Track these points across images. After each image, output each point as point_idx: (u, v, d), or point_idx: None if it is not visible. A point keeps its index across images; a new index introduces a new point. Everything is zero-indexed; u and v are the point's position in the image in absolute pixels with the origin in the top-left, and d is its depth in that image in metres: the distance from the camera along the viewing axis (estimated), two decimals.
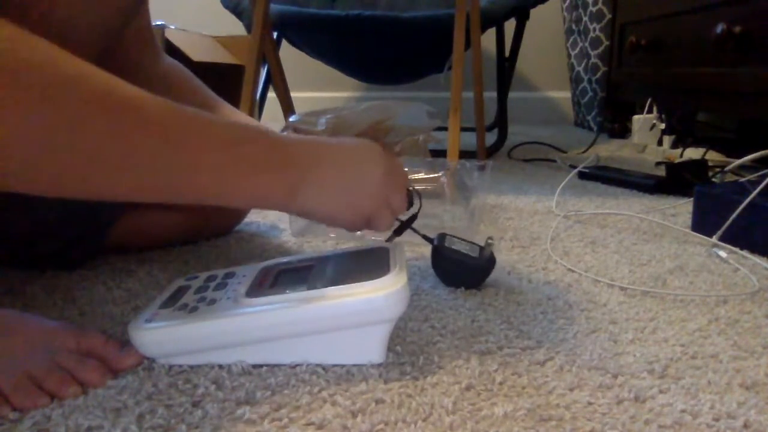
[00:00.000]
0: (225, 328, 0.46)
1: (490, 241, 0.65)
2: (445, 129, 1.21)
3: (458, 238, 0.67)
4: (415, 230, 0.62)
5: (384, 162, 0.54)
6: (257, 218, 0.95)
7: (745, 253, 0.74)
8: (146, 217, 0.74)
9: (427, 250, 0.66)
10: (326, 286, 0.47)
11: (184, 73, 0.77)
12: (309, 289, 0.47)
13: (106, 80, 0.40)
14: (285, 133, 0.52)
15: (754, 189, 0.75)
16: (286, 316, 0.46)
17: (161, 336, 0.46)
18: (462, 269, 0.64)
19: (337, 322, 0.46)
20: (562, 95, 2.55)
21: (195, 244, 0.79)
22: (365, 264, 0.50)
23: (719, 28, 1.22)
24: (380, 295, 0.45)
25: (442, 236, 0.66)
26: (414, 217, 0.61)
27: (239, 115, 0.77)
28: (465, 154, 1.28)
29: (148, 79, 0.74)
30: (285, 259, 0.56)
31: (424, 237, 0.64)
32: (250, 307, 0.46)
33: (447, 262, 0.64)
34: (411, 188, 0.60)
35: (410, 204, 0.60)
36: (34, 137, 0.36)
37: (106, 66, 0.75)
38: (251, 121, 0.78)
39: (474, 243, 0.66)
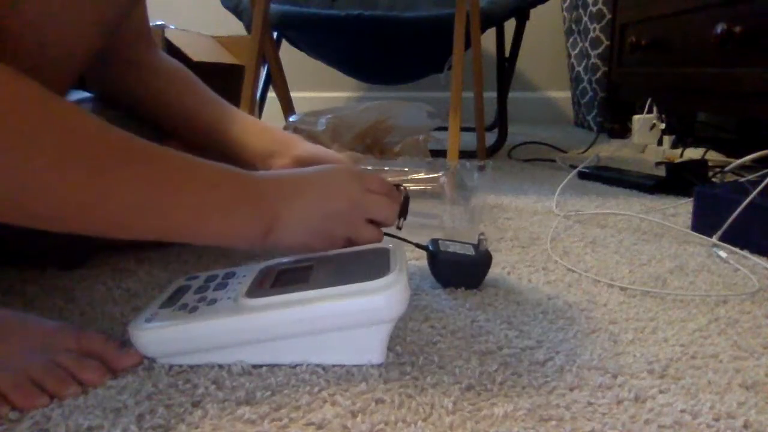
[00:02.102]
0: (225, 328, 0.46)
1: (482, 237, 0.65)
2: (445, 129, 1.21)
3: (450, 240, 0.67)
4: (407, 240, 0.62)
5: (355, 183, 0.56)
6: None
7: (745, 253, 0.74)
8: None
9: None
10: (326, 287, 0.47)
11: (183, 71, 0.77)
12: (309, 289, 0.47)
13: (91, 123, 0.42)
14: (256, 172, 0.54)
15: (754, 189, 0.75)
16: (286, 316, 0.46)
17: (161, 336, 0.46)
18: (462, 269, 0.64)
19: (337, 322, 0.46)
20: (562, 95, 2.55)
21: (194, 244, 0.79)
22: (365, 264, 0.50)
23: (719, 28, 1.22)
24: (380, 296, 0.45)
25: (435, 241, 0.66)
26: (403, 215, 0.61)
27: (238, 114, 0.77)
28: (465, 154, 1.29)
29: (149, 76, 0.74)
30: (285, 260, 0.56)
31: (417, 245, 0.64)
32: (251, 307, 0.46)
33: (446, 264, 0.64)
34: (401, 188, 0.60)
35: (405, 205, 0.60)
36: (12, 176, 0.38)
37: (108, 64, 0.75)
38: (250, 119, 0.77)
39: (466, 242, 0.66)
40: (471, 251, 0.64)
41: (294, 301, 0.46)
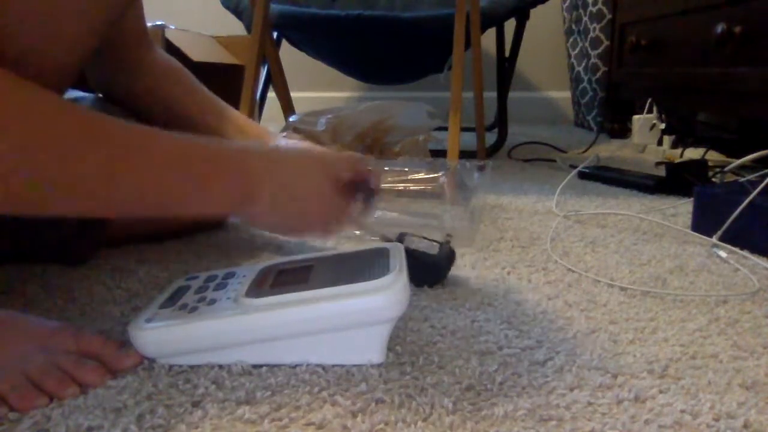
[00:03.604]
0: (225, 328, 0.46)
1: (448, 237, 0.66)
2: (445, 129, 1.21)
3: (419, 236, 0.67)
4: (375, 236, 0.63)
5: (328, 168, 0.57)
6: None
7: (745, 253, 0.74)
8: None
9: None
10: (326, 287, 0.47)
11: (181, 71, 0.78)
12: (309, 289, 0.47)
13: (55, 105, 0.42)
14: (233, 142, 0.55)
15: (754, 189, 0.75)
16: (286, 316, 0.46)
17: (161, 336, 0.46)
18: (420, 268, 0.63)
19: (337, 322, 0.46)
20: (562, 95, 2.55)
21: (194, 243, 0.79)
22: (365, 264, 0.50)
23: (719, 28, 1.22)
24: (380, 296, 0.45)
25: (402, 235, 0.66)
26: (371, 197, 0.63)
27: (234, 112, 0.77)
28: (465, 154, 1.28)
29: (147, 76, 0.74)
30: (285, 259, 0.56)
31: (383, 238, 0.65)
32: (251, 307, 0.46)
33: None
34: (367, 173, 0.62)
35: (370, 194, 0.62)
36: None
37: (108, 64, 0.75)
38: (243, 119, 0.78)
39: (435, 240, 0.67)
40: (434, 250, 0.65)
41: (294, 302, 0.46)
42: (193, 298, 0.50)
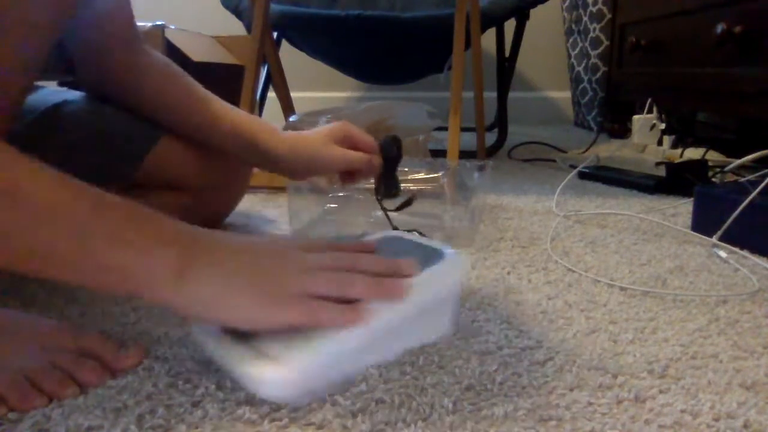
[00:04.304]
0: (356, 340, 0.43)
1: (416, 233, 0.66)
2: (445, 129, 1.21)
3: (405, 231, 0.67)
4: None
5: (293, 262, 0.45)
6: (255, 213, 0.95)
7: (745, 253, 0.74)
8: (172, 154, 0.77)
9: None
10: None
11: (174, 71, 0.78)
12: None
13: None
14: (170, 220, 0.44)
15: (754, 189, 0.75)
16: (404, 308, 0.45)
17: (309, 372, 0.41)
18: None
19: (436, 302, 0.48)
20: (562, 95, 2.55)
21: None
22: (409, 254, 0.51)
23: (719, 28, 1.22)
24: (457, 270, 0.51)
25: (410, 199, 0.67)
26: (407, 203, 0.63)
27: (231, 111, 0.77)
28: (465, 154, 1.29)
29: (140, 77, 0.74)
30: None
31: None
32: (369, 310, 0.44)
33: None
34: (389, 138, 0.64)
35: (395, 156, 0.67)
36: None
37: (99, 66, 0.75)
38: (247, 115, 0.78)
39: (420, 232, 0.67)
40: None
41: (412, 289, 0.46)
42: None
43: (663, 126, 1.61)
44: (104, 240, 0.39)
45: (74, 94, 0.75)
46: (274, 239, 0.52)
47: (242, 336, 0.42)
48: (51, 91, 0.75)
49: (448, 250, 0.51)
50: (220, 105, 0.76)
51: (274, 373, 0.39)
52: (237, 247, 0.45)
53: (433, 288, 0.48)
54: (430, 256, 0.50)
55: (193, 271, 0.41)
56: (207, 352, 0.45)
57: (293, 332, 0.41)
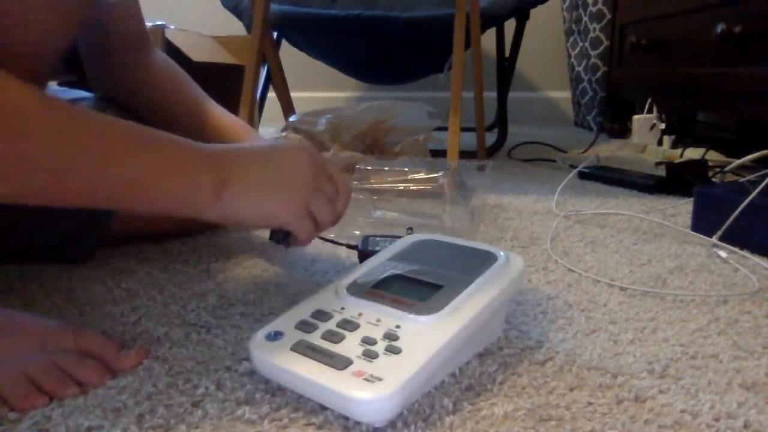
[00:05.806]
0: (441, 352, 0.42)
1: (409, 231, 0.66)
2: (445, 129, 1.21)
3: (382, 237, 0.67)
4: (336, 242, 0.63)
5: (308, 153, 0.55)
6: None
7: (745, 253, 0.74)
8: None
9: None
10: (471, 280, 0.47)
11: (177, 72, 0.78)
12: (466, 285, 0.47)
13: (39, 106, 0.41)
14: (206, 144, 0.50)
15: (754, 189, 0.75)
16: (477, 317, 0.45)
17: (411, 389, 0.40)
18: None
19: (495, 307, 0.48)
20: (562, 95, 2.55)
21: (194, 243, 0.79)
22: (464, 260, 0.51)
23: (719, 28, 1.22)
24: (519, 273, 0.50)
25: (366, 239, 0.67)
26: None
27: (228, 116, 0.77)
28: (465, 154, 1.29)
29: (146, 77, 0.75)
30: (368, 276, 0.51)
31: (348, 245, 0.66)
32: (439, 319, 0.44)
33: None
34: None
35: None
36: None
37: (108, 66, 0.76)
38: (241, 123, 0.78)
39: (396, 237, 0.66)
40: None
41: (469, 300, 0.45)
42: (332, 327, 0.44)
43: (663, 126, 1.61)
44: (155, 173, 0.45)
45: (81, 94, 0.76)
46: (300, 144, 0.57)
47: (312, 352, 0.42)
48: (57, 90, 0.75)
49: (500, 252, 0.51)
50: (208, 107, 0.77)
51: (378, 394, 0.37)
52: (264, 162, 0.52)
53: (497, 290, 0.47)
54: (484, 259, 0.50)
55: (229, 190, 0.48)
56: (274, 375, 0.43)
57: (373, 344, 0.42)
